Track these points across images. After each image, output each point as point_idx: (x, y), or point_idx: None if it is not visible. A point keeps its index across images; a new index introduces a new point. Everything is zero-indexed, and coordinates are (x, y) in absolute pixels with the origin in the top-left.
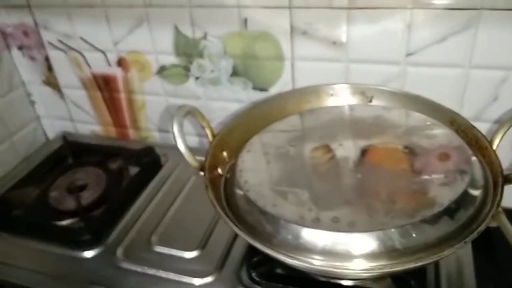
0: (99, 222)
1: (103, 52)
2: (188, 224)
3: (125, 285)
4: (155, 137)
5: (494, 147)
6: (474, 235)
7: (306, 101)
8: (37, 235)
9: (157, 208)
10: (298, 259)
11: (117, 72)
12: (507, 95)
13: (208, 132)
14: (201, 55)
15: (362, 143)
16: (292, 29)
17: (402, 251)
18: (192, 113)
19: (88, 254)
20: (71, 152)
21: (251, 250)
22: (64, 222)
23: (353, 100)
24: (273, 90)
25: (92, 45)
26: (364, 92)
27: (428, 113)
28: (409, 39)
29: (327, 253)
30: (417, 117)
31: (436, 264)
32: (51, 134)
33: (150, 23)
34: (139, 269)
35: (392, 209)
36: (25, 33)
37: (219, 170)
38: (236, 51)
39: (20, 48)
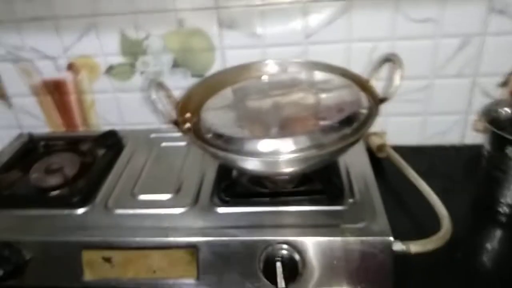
0: (85, 186)
1: (53, 59)
2: (160, 179)
3: (123, 224)
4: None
5: (372, 83)
6: (366, 129)
7: (240, 74)
8: (33, 206)
9: (131, 172)
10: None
11: (67, 76)
12: (376, 60)
13: (172, 100)
14: (144, 52)
15: (285, 92)
16: (220, 25)
17: (325, 144)
18: (160, 84)
19: (83, 210)
20: (38, 144)
21: (219, 179)
22: (54, 193)
23: (274, 71)
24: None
25: (43, 53)
26: (280, 64)
27: (327, 71)
28: (306, 26)
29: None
30: (320, 75)
31: (348, 173)
32: None
33: (98, 30)
34: (131, 211)
35: (311, 125)
36: None
37: (188, 125)
38: (175, 46)
39: None
